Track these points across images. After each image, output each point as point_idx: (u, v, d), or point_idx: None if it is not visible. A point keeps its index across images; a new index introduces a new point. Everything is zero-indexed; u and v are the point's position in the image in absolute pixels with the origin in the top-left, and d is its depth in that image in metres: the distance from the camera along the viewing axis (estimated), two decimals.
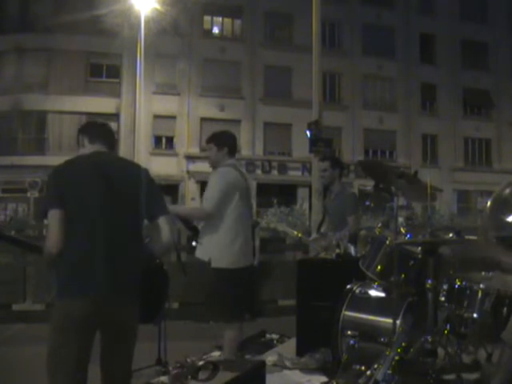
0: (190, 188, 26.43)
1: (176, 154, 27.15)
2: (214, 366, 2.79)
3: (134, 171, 2.82)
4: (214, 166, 4.28)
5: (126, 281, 2.60)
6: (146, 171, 2.84)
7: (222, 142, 4.26)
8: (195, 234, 4.23)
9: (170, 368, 4.44)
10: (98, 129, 2.94)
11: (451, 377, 3.40)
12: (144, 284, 2.67)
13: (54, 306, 2.56)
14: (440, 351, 3.42)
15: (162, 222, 2.71)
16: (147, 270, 2.70)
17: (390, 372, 3.12)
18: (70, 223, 2.53)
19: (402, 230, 3.87)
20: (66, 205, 2.53)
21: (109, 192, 2.62)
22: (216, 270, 4.00)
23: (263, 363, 3.39)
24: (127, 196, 2.67)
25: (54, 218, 2.52)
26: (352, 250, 4.90)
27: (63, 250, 2.50)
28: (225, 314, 4.07)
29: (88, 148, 2.83)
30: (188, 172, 26.72)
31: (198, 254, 4.13)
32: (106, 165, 2.73)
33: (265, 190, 25.04)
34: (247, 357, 4.60)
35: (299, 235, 5.83)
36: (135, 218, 2.69)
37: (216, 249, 4.03)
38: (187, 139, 27.16)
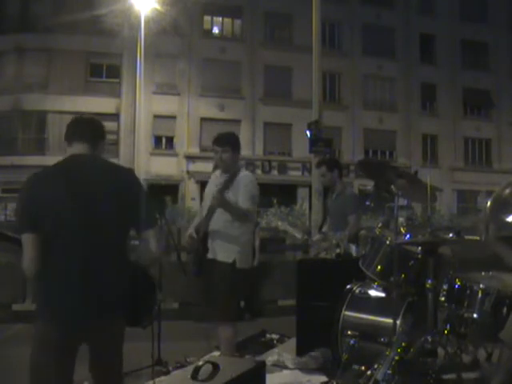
0: (190, 188, 26.42)
1: (176, 154, 27.14)
2: (214, 366, 2.79)
3: (119, 178, 2.56)
4: (226, 169, 4.21)
5: (108, 300, 2.46)
6: (135, 178, 2.64)
7: (238, 147, 4.28)
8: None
9: (170, 368, 4.45)
10: (77, 127, 2.62)
11: (451, 377, 3.40)
12: (128, 290, 2.56)
13: (34, 326, 2.46)
14: (440, 351, 3.42)
15: (150, 235, 2.55)
16: (131, 276, 2.56)
17: (390, 372, 3.13)
18: (46, 243, 2.36)
19: (401, 229, 3.87)
20: (40, 225, 2.35)
21: (87, 205, 2.40)
22: (241, 271, 4.03)
23: (263, 363, 3.38)
24: (109, 207, 2.45)
25: (26, 241, 2.36)
26: (353, 249, 4.91)
27: (40, 271, 2.38)
28: (236, 312, 4.14)
29: (68, 152, 2.57)
30: (188, 172, 26.72)
31: (218, 256, 4.07)
32: (84, 173, 2.47)
33: (265, 190, 24.88)
34: (247, 357, 4.61)
35: (301, 235, 5.83)
36: (118, 231, 2.51)
37: (242, 250, 4.07)
38: (187, 139, 27.17)
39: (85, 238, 2.40)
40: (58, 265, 2.41)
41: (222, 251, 4.05)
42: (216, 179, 4.32)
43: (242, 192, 4.05)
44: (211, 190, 4.24)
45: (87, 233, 2.41)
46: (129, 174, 2.65)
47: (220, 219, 4.05)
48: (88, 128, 2.63)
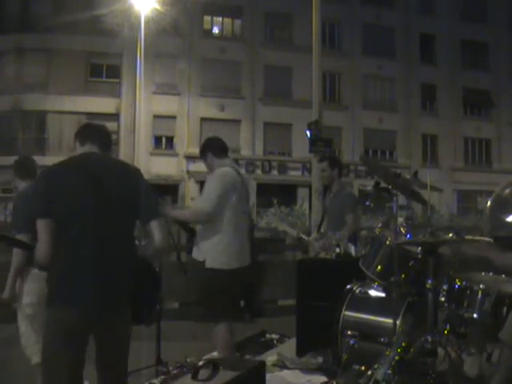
0: (190, 188, 26.43)
1: (176, 154, 27.15)
2: (214, 366, 2.79)
3: (126, 173, 2.74)
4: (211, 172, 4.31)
5: (117, 289, 2.55)
6: (139, 173, 2.78)
7: (204, 150, 4.33)
8: (192, 235, 4.24)
9: (170, 368, 4.45)
10: (90, 130, 2.84)
11: (451, 377, 3.40)
12: (133, 286, 2.64)
13: (46, 313, 2.53)
14: (440, 351, 3.42)
15: (154, 226, 2.67)
16: (137, 272, 2.66)
17: (390, 372, 3.12)
18: (60, 231, 2.48)
19: (401, 230, 3.87)
20: (55, 212, 2.47)
21: (98, 196, 2.54)
22: (210, 271, 4.00)
23: (263, 363, 3.39)
24: (118, 199, 2.60)
25: (42, 227, 2.47)
26: (352, 249, 4.91)
27: (53, 259, 2.48)
28: (215, 313, 4.05)
29: (79, 150, 2.75)
30: (188, 172, 26.72)
31: (194, 254, 4.14)
32: (96, 167, 2.63)
33: (265, 190, 25.05)
34: (247, 357, 4.61)
35: (300, 235, 5.83)
36: (126, 222, 2.64)
37: (212, 249, 4.02)
38: (187, 139, 27.17)
39: (96, 228, 2.52)
40: (70, 253, 2.49)
41: (196, 250, 4.13)
42: None
43: (203, 192, 4.14)
44: None
45: (98, 223, 2.52)
46: (135, 170, 2.83)
47: None
48: (103, 133, 2.86)
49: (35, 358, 3.74)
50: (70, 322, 2.43)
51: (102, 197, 2.54)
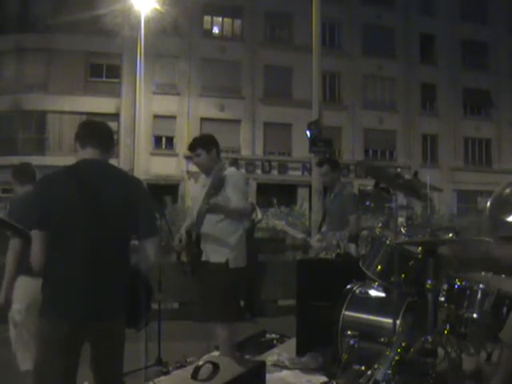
0: (190, 188, 26.41)
1: (176, 154, 27.13)
2: (214, 366, 2.80)
3: (126, 184, 2.68)
4: (207, 170, 4.20)
5: (111, 300, 2.54)
6: (140, 184, 2.73)
7: (210, 145, 4.23)
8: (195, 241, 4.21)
9: (170, 368, 4.45)
10: (89, 130, 2.74)
11: (451, 377, 3.40)
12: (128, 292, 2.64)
13: (39, 322, 2.53)
14: (440, 351, 3.42)
15: (148, 244, 2.64)
16: (131, 280, 2.64)
17: (389, 372, 3.12)
18: (54, 240, 2.47)
19: (402, 230, 3.87)
20: (49, 222, 2.46)
21: (94, 207, 2.50)
22: (234, 270, 4.01)
23: (263, 363, 3.40)
24: (114, 211, 2.55)
25: (35, 238, 2.48)
26: (353, 249, 4.91)
27: (47, 268, 2.48)
28: (234, 312, 4.15)
29: (80, 154, 2.67)
30: (188, 172, 26.71)
31: (207, 257, 4.08)
32: (94, 177, 2.57)
33: (265, 190, 25.03)
34: (247, 357, 4.61)
35: (306, 238, 5.83)
36: (121, 233, 2.61)
37: (235, 249, 4.06)
38: (187, 139, 27.12)
39: (90, 239, 2.49)
40: (63, 262, 2.48)
41: (213, 252, 4.06)
42: (203, 181, 4.32)
43: (234, 191, 4.05)
44: (199, 192, 4.25)
45: (93, 234, 2.49)
46: (136, 181, 2.77)
47: (210, 220, 4.04)
48: (104, 133, 2.74)
49: (23, 366, 3.72)
50: (63, 331, 2.42)
51: (97, 208, 2.51)
